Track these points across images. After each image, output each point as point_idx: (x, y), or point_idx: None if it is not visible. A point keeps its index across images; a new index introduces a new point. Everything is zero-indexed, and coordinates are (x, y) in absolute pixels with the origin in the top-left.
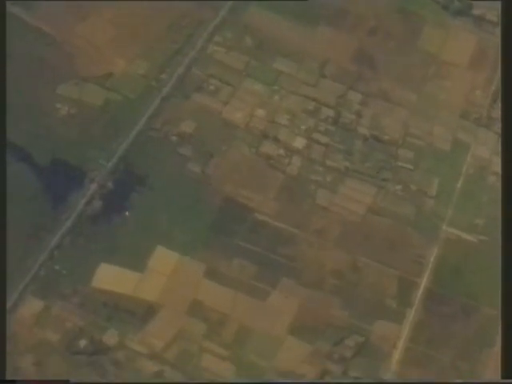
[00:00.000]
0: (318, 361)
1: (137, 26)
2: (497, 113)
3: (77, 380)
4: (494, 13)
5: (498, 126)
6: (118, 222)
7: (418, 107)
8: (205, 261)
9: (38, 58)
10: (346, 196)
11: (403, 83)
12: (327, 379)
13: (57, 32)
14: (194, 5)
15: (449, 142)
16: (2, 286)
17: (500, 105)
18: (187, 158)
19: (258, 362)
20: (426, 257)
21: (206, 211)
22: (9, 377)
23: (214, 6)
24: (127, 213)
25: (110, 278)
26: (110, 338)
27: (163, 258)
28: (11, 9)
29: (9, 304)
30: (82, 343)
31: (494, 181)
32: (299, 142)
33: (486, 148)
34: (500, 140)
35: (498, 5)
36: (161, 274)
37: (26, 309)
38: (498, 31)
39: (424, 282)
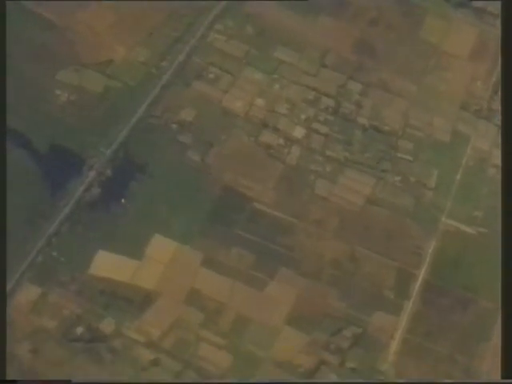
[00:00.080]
0: (315, 351)
1: (138, 13)
2: (497, 105)
3: (74, 368)
4: (495, 5)
5: (498, 118)
6: (117, 210)
7: (418, 98)
8: (203, 249)
9: (38, 44)
10: (345, 186)
11: (404, 74)
12: (324, 370)
13: (57, 18)
14: None
15: (449, 134)
16: (3, 294)
17: (500, 97)
18: (187, 145)
19: (254, 351)
20: (425, 248)
21: (205, 200)
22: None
23: None
24: (123, 200)
25: (107, 265)
26: (107, 325)
27: (161, 246)
28: None
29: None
30: (79, 330)
31: (494, 173)
32: (299, 132)
33: (486, 140)
34: (500, 132)
35: None
36: (158, 263)
37: (23, 295)
38: (498, 23)
39: (422, 273)
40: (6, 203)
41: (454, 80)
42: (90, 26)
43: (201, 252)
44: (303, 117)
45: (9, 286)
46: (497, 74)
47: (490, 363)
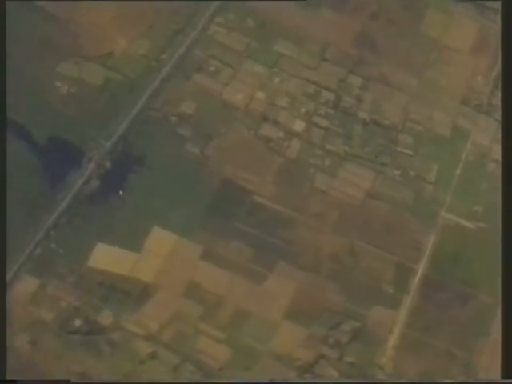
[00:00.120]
0: (313, 345)
1: (139, 5)
2: (498, 100)
3: (72, 361)
4: (496, 0)
5: (498, 113)
6: (115, 202)
7: (418, 92)
8: (202, 242)
9: (39, 36)
10: (344, 180)
11: (404, 68)
12: (322, 363)
13: (59, 10)
14: None
15: (449, 128)
16: (3, 294)
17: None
18: (186, 138)
19: (253, 345)
20: (424, 243)
21: (204, 193)
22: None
23: None
24: (121, 192)
25: (106, 257)
26: (106, 318)
27: (160, 239)
28: None
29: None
30: (77, 323)
31: (494, 168)
32: (299, 125)
33: (486, 135)
34: (500, 127)
35: None
36: (157, 255)
37: (22, 287)
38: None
39: (421, 268)
40: (5, 195)
41: (454, 74)
42: (91, 18)
43: (200, 245)
44: (303, 110)
45: (7, 278)
46: (498, 69)
47: (488, 358)
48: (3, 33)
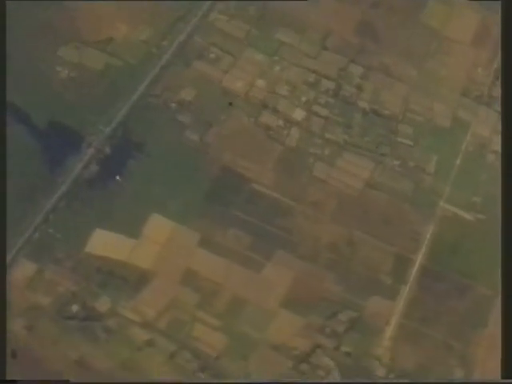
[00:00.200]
0: (310, 334)
1: None
2: (498, 91)
3: (68, 346)
4: None
5: (498, 105)
6: (114, 188)
7: (418, 83)
8: (200, 230)
9: (40, 20)
10: (343, 169)
11: (405, 58)
12: (319, 353)
13: None
14: None
15: (449, 119)
16: (3, 293)
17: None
18: (186, 125)
19: (250, 333)
20: (423, 233)
21: (203, 180)
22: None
23: None
24: (118, 177)
25: (104, 243)
26: (103, 304)
27: (158, 226)
28: None
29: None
30: (74, 308)
31: (494, 159)
32: (298, 114)
33: (486, 126)
34: (500, 119)
35: None
36: (155, 242)
37: (19, 271)
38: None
39: (419, 258)
40: (5, 178)
41: (455, 65)
42: (92, 3)
43: (198, 232)
44: (303, 99)
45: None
46: (498, 61)
47: (486, 350)
48: (3, 33)
